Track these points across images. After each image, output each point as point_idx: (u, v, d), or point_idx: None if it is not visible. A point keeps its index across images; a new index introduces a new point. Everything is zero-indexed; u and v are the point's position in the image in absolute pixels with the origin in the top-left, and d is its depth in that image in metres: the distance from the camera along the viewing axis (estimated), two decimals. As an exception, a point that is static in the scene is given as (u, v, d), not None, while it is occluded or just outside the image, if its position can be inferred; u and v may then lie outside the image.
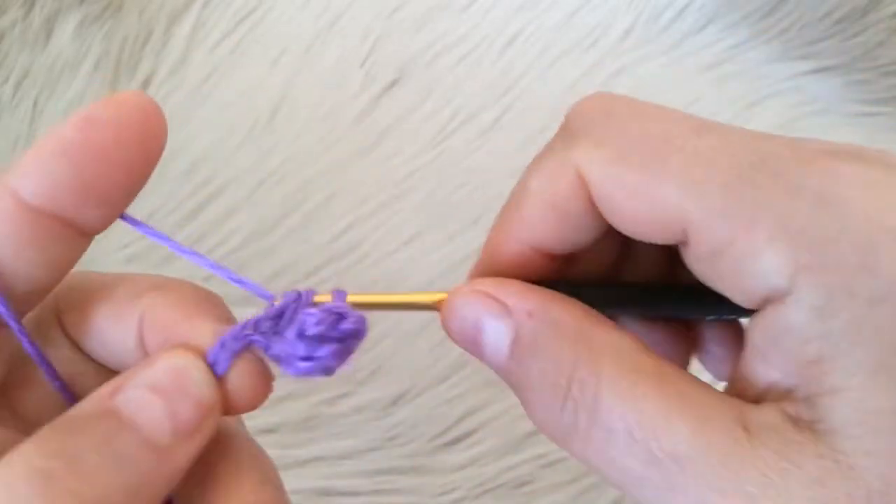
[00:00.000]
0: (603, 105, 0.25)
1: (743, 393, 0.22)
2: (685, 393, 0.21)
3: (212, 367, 0.23)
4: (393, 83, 0.63)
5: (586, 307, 0.24)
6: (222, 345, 0.23)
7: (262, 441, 0.26)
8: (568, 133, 0.25)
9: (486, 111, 0.63)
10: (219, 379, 0.23)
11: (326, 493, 0.52)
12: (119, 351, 0.25)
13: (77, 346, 0.26)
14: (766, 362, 0.22)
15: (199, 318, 0.24)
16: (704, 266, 0.23)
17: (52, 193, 0.22)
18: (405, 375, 0.55)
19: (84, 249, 0.24)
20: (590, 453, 0.22)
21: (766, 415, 0.21)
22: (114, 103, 0.22)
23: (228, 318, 0.25)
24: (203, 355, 0.23)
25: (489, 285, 0.25)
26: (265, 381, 0.24)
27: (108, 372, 0.26)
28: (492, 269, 0.26)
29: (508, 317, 0.24)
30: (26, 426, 0.24)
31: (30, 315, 0.24)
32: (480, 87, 0.63)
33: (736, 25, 0.66)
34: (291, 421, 0.53)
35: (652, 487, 0.21)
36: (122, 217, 0.24)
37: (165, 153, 0.24)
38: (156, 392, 0.22)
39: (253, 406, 0.24)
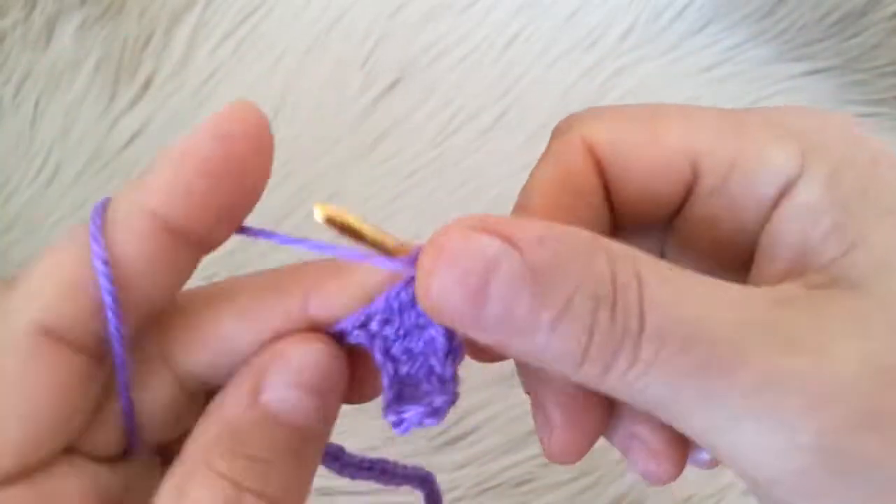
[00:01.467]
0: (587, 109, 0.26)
1: (769, 270, 0.24)
2: (716, 283, 0.21)
3: (341, 337, 0.24)
4: (393, 84, 0.63)
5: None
6: (354, 321, 0.24)
7: (263, 440, 0.26)
8: (562, 129, 0.26)
9: (487, 111, 0.63)
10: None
11: (326, 492, 0.52)
12: (251, 346, 0.24)
13: (177, 381, 0.25)
14: (774, 259, 0.23)
15: (361, 272, 0.24)
16: (716, 193, 0.24)
17: (191, 213, 0.21)
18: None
19: (194, 269, 0.24)
20: (636, 372, 0.20)
21: (788, 290, 0.22)
22: (240, 116, 0.21)
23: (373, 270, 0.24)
24: (324, 336, 0.24)
25: (478, 222, 0.21)
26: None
27: (194, 395, 0.25)
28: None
29: (517, 250, 0.20)
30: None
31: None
32: (481, 87, 0.64)
33: (735, 26, 0.66)
34: (292, 420, 0.53)
35: (703, 389, 0.20)
36: (241, 231, 0.24)
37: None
38: (304, 390, 0.22)
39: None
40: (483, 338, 0.21)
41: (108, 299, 0.21)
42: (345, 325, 0.24)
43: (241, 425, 0.22)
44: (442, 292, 0.21)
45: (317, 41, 0.64)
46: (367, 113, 0.63)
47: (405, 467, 0.28)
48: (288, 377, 0.22)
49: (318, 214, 0.22)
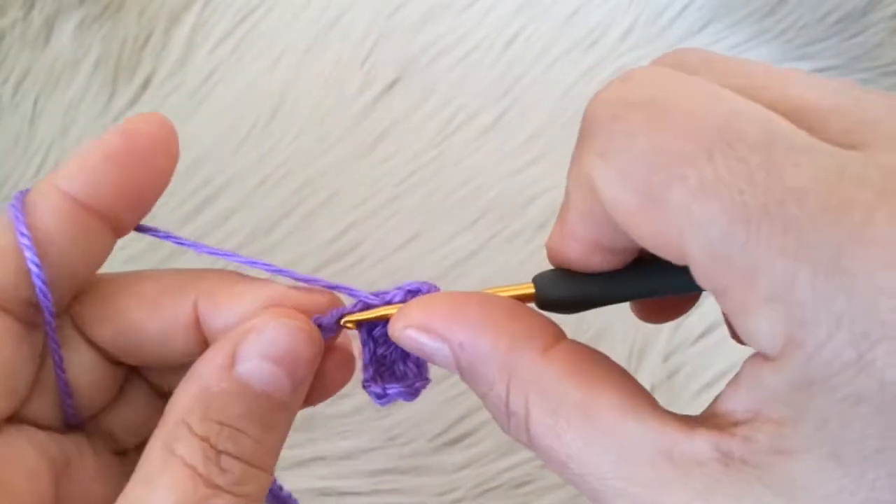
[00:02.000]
0: (613, 107, 0.22)
1: (708, 410, 0.22)
2: (607, 427, 0.22)
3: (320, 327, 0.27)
4: (393, 83, 0.63)
5: (525, 320, 0.25)
6: (332, 317, 0.27)
7: (263, 441, 0.26)
8: (584, 133, 0.24)
9: (486, 111, 0.63)
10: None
11: (326, 493, 0.52)
12: (154, 340, 0.27)
13: (96, 349, 0.28)
14: (735, 392, 0.21)
15: (258, 285, 0.27)
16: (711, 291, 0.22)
17: (98, 192, 0.25)
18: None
19: (109, 251, 0.27)
20: (541, 458, 0.24)
21: (696, 446, 0.21)
22: (145, 119, 0.26)
23: (276, 285, 0.28)
24: (303, 315, 0.27)
25: (427, 314, 0.25)
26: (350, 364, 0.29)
27: (114, 367, 0.28)
28: (559, 261, 0.26)
29: (447, 348, 0.25)
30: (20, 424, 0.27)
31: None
32: (480, 87, 0.64)
33: (736, 25, 0.66)
34: (291, 421, 0.53)
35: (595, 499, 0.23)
36: (138, 228, 0.27)
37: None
38: (276, 361, 0.25)
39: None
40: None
41: (32, 264, 0.25)
42: (323, 319, 0.28)
43: (216, 392, 0.25)
44: (405, 347, 0.26)
45: (316, 41, 0.64)
46: (366, 113, 0.62)
47: None
48: (261, 348, 0.25)
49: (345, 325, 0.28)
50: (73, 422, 0.28)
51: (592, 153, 0.22)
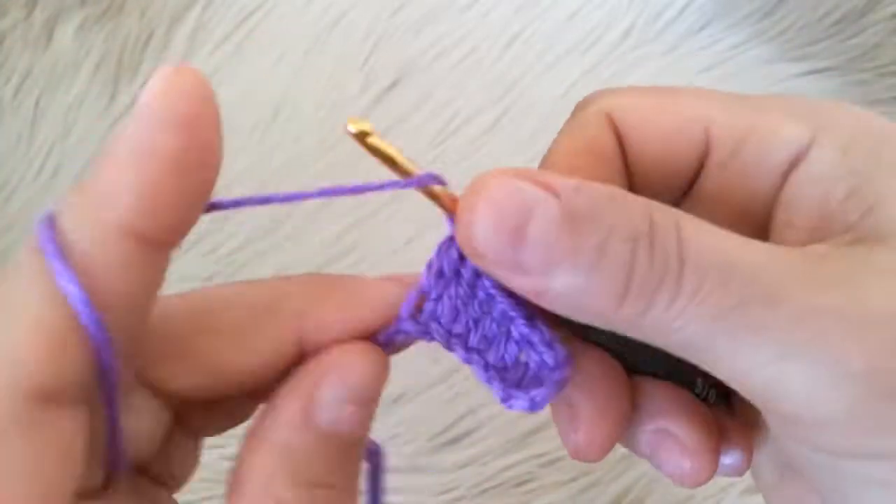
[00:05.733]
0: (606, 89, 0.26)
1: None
2: (749, 239, 0.21)
3: (382, 346, 0.23)
4: (393, 84, 0.63)
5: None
6: (396, 332, 0.23)
7: (264, 440, 0.26)
8: (580, 106, 0.26)
9: (486, 112, 0.63)
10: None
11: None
12: (245, 375, 0.23)
13: (152, 389, 0.23)
14: (793, 227, 0.23)
15: (362, 288, 0.24)
16: (728, 164, 0.24)
17: (157, 216, 0.19)
18: (405, 375, 0.55)
19: (165, 268, 0.21)
20: (678, 307, 0.20)
21: (816, 248, 0.22)
22: (188, 91, 0.19)
23: (380, 285, 0.24)
24: (374, 345, 0.23)
25: (521, 171, 0.21)
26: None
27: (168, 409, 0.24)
28: None
29: (556, 196, 0.20)
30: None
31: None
32: (480, 88, 0.64)
33: (735, 26, 0.66)
34: (292, 420, 0.53)
35: (744, 323, 0.20)
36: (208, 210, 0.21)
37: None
38: (355, 402, 0.22)
39: None
40: (523, 283, 0.21)
41: (93, 328, 0.18)
42: (391, 333, 0.24)
43: (298, 449, 0.21)
44: (482, 233, 0.21)
45: (317, 41, 0.65)
46: (366, 113, 0.63)
47: None
48: (343, 393, 0.22)
49: (351, 128, 0.22)
50: (120, 478, 0.22)
51: (605, 96, 0.26)
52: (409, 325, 0.23)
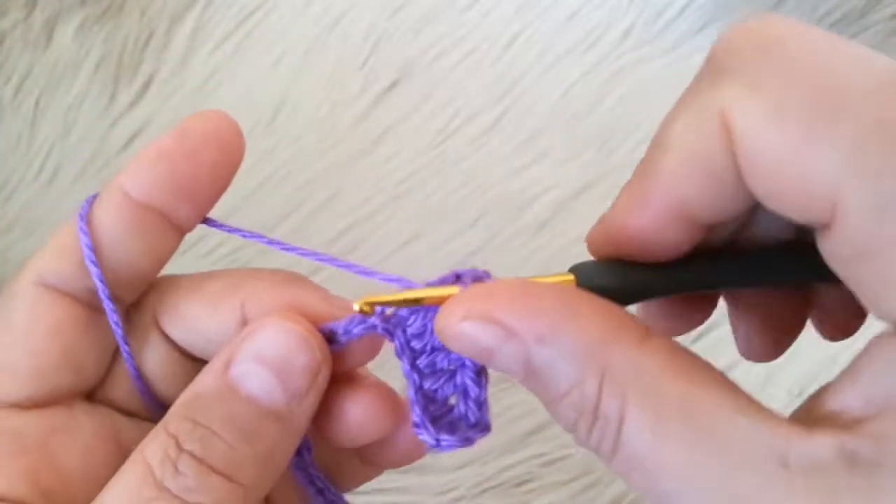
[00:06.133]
0: (762, 37, 0.21)
1: (807, 412, 0.20)
2: (712, 428, 0.19)
3: (332, 335, 0.25)
4: (393, 84, 0.63)
5: (612, 312, 0.21)
6: (349, 322, 0.25)
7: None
8: (714, 70, 0.22)
9: (486, 112, 0.63)
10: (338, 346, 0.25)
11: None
12: (219, 339, 0.26)
13: (175, 346, 0.28)
14: (853, 384, 0.19)
15: (300, 289, 0.26)
16: (843, 259, 0.19)
17: (153, 190, 0.26)
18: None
19: (176, 245, 0.27)
20: (614, 468, 0.21)
21: (816, 448, 0.18)
22: (200, 117, 0.26)
23: (322, 291, 0.27)
24: (305, 317, 0.25)
25: (491, 303, 0.21)
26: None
27: (193, 362, 0.28)
28: (616, 239, 0.23)
29: (518, 343, 0.21)
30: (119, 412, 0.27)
31: (129, 321, 0.28)
32: (480, 88, 0.64)
33: (735, 26, 0.66)
34: (292, 420, 0.53)
35: None
36: (205, 221, 0.28)
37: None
38: (264, 363, 0.24)
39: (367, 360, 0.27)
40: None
41: (86, 248, 0.26)
42: (338, 325, 0.25)
43: (204, 394, 0.24)
44: (455, 346, 0.23)
45: (317, 41, 0.65)
46: (366, 113, 0.63)
47: None
48: (252, 351, 0.24)
49: (356, 307, 0.25)
50: (155, 411, 0.27)
51: (735, 86, 0.20)
52: (376, 320, 0.25)
